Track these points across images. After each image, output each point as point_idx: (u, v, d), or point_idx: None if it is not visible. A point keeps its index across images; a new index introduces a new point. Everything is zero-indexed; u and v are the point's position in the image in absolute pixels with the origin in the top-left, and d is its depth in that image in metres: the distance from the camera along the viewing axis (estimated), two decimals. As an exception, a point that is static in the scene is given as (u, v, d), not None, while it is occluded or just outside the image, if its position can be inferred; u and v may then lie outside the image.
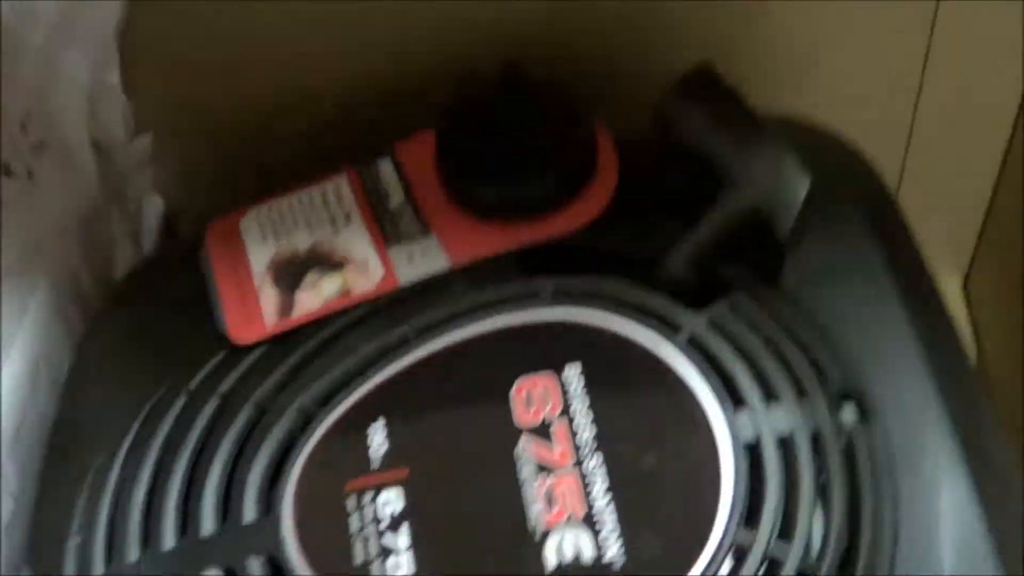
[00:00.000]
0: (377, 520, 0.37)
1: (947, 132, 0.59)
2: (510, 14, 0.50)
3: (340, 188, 0.46)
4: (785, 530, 0.37)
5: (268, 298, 0.43)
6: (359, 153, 0.47)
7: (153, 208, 0.53)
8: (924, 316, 0.42)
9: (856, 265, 0.43)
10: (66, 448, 0.43)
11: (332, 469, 0.39)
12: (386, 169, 0.46)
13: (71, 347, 0.47)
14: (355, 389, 0.40)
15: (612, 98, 0.47)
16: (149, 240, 0.52)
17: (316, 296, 0.43)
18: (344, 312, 0.42)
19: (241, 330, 0.42)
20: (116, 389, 0.44)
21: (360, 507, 0.38)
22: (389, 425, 0.39)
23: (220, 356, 0.43)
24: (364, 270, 0.43)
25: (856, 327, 0.41)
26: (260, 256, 0.44)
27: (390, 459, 0.39)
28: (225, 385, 0.42)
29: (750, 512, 0.37)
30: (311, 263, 0.44)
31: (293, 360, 0.41)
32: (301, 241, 0.44)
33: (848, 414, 0.39)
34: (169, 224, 0.54)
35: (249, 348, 0.42)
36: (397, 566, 0.37)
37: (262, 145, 0.52)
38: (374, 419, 0.39)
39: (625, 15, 0.51)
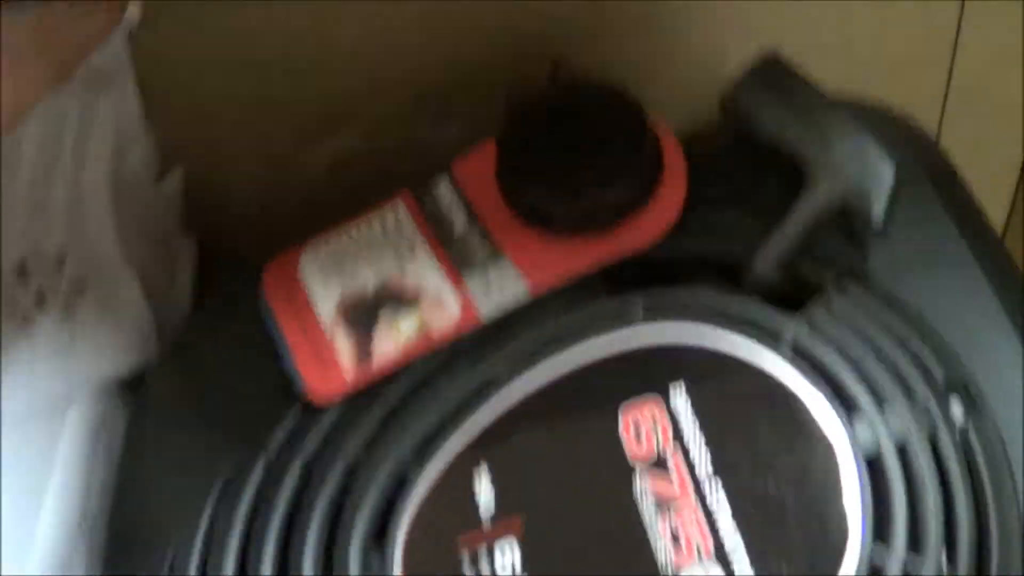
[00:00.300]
0: (496, 577, 0.36)
1: (977, 109, 0.57)
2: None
3: (398, 216, 0.43)
4: (915, 540, 0.35)
5: (343, 345, 0.41)
6: (396, 174, 0.45)
7: (187, 248, 0.50)
8: (1010, 292, 0.40)
9: (937, 247, 0.41)
10: (133, 532, 0.41)
11: (439, 528, 0.37)
12: (445, 191, 0.44)
13: (127, 410, 0.45)
14: (452, 437, 0.38)
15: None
16: (186, 282, 0.50)
17: (394, 339, 0.40)
18: (427, 353, 0.40)
19: (319, 384, 0.40)
20: (181, 459, 0.42)
21: (475, 565, 0.36)
22: (494, 472, 0.37)
23: (297, 414, 0.40)
24: (440, 304, 0.41)
25: (947, 312, 0.40)
26: (326, 299, 0.42)
27: (501, 509, 0.37)
28: (308, 447, 0.40)
29: (878, 525, 0.35)
30: (383, 302, 0.41)
31: (379, 412, 0.40)
32: (367, 278, 0.42)
33: (956, 408, 0.38)
34: (204, 264, 0.51)
35: (328, 402, 0.40)
36: (525, 624, 0.35)
37: (293, 172, 0.50)
38: (477, 467, 0.38)
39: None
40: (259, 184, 0.50)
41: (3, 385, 0.42)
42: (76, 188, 0.46)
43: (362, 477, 0.38)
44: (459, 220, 0.43)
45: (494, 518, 0.37)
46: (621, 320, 0.39)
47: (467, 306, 0.40)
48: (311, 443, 0.39)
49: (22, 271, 0.45)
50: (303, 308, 0.42)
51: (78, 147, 0.46)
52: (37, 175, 0.46)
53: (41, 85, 0.38)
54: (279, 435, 0.40)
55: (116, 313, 0.45)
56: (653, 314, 0.39)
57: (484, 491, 0.37)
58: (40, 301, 0.44)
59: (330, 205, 0.45)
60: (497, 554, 0.36)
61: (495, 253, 0.41)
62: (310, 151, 0.49)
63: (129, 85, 0.48)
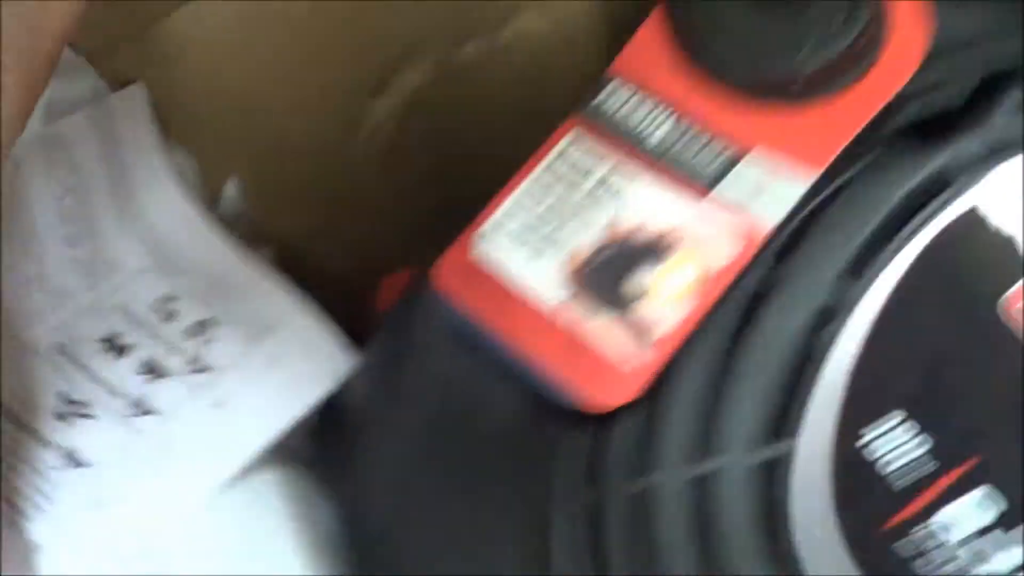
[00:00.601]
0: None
1: None
2: None
3: (579, 147, 0.33)
4: None
5: (604, 332, 0.30)
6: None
7: (263, 261, 0.38)
8: None
9: None
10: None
11: (857, 512, 0.27)
12: (623, 96, 0.33)
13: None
14: (816, 400, 0.28)
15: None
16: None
17: (669, 299, 0.30)
18: (723, 302, 0.30)
19: (604, 389, 0.30)
20: (442, 530, 0.31)
21: (923, 540, 0.27)
22: (915, 418, 0.28)
23: (582, 437, 0.30)
24: (707, 235, 0.30)
25: None
26: (542, 281, 0.31)
27: (943, 459, 0.27)
28: (616, 473, 0.29)
29: None
30: (625, 260, 0.31)
31: (698, 398, 0.29)
32: (585, 238, 0.31)
33: None
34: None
35: (611, 414, 0.30)
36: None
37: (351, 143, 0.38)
38: (879, 420, 0.28)
39: None
40: (316, 167, 0.38)
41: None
42: (139, 218, 0.34)
43: (718, 488, 0.28)
44: (661, 123, 0.32)
45: (935, 474, 0.27)
46: (958, 182, 0.30)
47: (745, 225, 0.30)
48: (618, 466, 0.29)
49: (117, 348, 0.32)
50: (511, 300, 0.31)
51: (111, 170, 0.34)
52: (70, 230, 0.33)
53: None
54: (571, 470, 0.29)
55: (278, 340, 0.33)
56: (977, 166, 0.30)
57: (904, 448, 0.27)
58: (156, 373, 0.32)
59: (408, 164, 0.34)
60: (960, 513, 0.27)
61: (735, 149, 0.31)
62: (373, 104, 0.38)
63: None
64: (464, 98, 0.37)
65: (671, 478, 0.29)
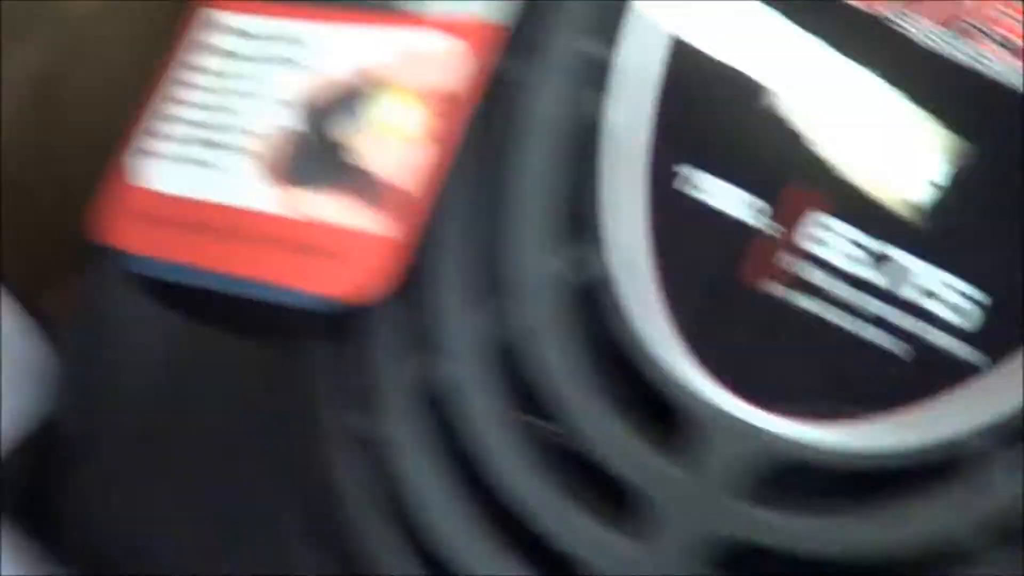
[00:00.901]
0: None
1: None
2: None
3: (217, 24, 0.26)
4: None
5: (330, 213, 0.24)
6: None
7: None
8: None
9: None
10: None
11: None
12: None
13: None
14: (610, 179, 0.23)
15: None
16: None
17: (398, 143, 0.24)
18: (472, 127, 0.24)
19: (347, 278, 0.23)
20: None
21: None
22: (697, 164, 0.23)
23: (342, 345, 0.24)
24: (415, 58, 0.25)
25: None
26: (233, 188, 0.25)
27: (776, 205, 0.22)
28: (393, 363, 0.23)
29: None
30: (322, 122, 0.25)
31: (470, 245, 0.23)
32: (265, 121, 0.25)
33: None
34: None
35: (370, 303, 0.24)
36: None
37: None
38: (688, 183, 0.23)
39: None
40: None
41: None
42: None
43: (533, 333, 0.22)
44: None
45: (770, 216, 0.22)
46: None
47: (465, 31, 0.24)
48: (401, 352, 0.23)
49: None
50: (215, 223, 0.24)
51: None
52: None
53: None
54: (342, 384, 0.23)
55: None
56: None
57: (727, 205, 0.22)
58: None
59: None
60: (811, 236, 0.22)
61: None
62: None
63: None
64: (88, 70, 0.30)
65: (463, 345, 0.23)
